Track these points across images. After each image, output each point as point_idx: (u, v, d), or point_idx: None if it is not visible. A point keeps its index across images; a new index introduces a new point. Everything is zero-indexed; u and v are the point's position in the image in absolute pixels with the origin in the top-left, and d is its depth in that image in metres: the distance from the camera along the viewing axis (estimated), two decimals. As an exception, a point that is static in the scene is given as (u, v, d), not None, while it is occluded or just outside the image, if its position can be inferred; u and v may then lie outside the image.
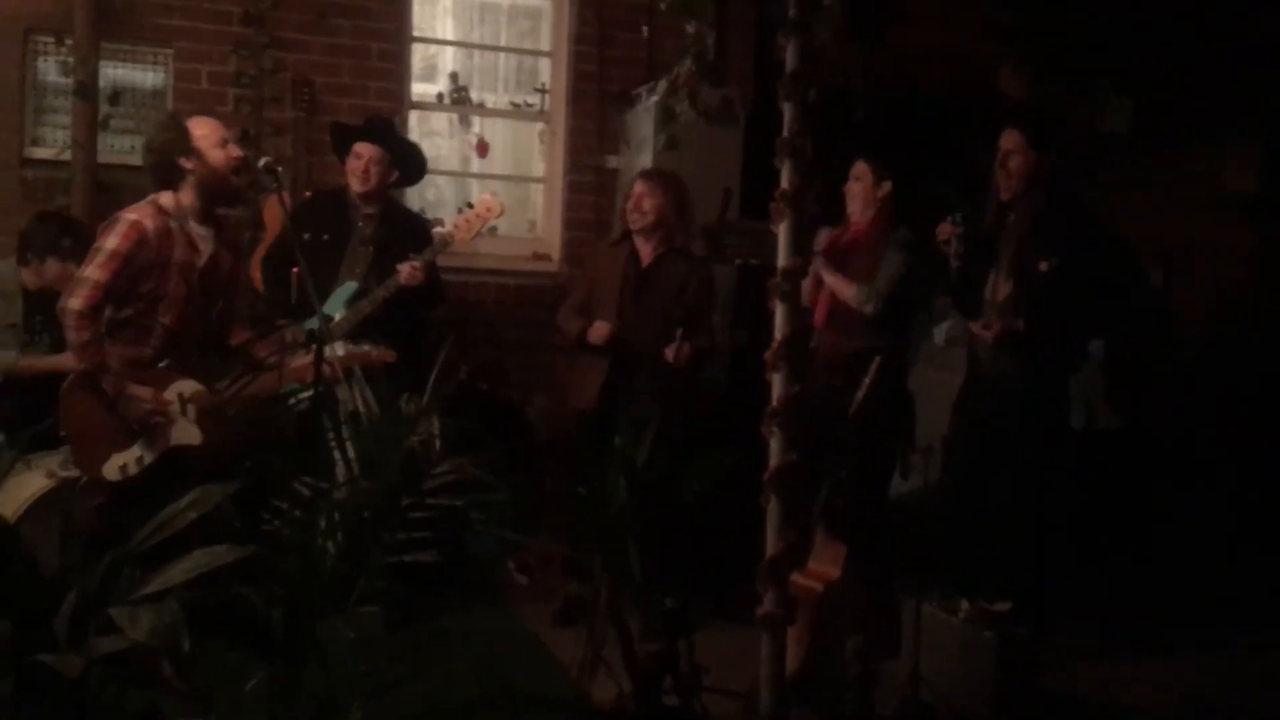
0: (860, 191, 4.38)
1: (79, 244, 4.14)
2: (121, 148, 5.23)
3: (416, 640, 2.77)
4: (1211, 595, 4.75)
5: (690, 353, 4.38)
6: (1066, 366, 4.24)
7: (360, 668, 2.35)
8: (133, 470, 3.53)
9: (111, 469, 3.51)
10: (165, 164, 3.63)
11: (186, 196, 3.65)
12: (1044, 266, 4.02)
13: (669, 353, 4.34)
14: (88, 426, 3.52)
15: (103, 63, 5.13)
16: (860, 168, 4.40)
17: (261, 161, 3.90)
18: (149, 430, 3.54)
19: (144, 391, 3.53)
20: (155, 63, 5.36)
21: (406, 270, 4.35)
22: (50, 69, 5.22)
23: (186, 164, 3.62)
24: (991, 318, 4.10)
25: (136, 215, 3.57)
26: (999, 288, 4.16)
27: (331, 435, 2.80)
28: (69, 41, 5.07)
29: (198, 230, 3.67)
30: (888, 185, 4.36)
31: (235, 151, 3.72)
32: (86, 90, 5.02)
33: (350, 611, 2.38)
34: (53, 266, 4.37)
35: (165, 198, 3.64)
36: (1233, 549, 5.10)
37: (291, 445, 3.36)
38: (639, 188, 4.60)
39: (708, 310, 4.63)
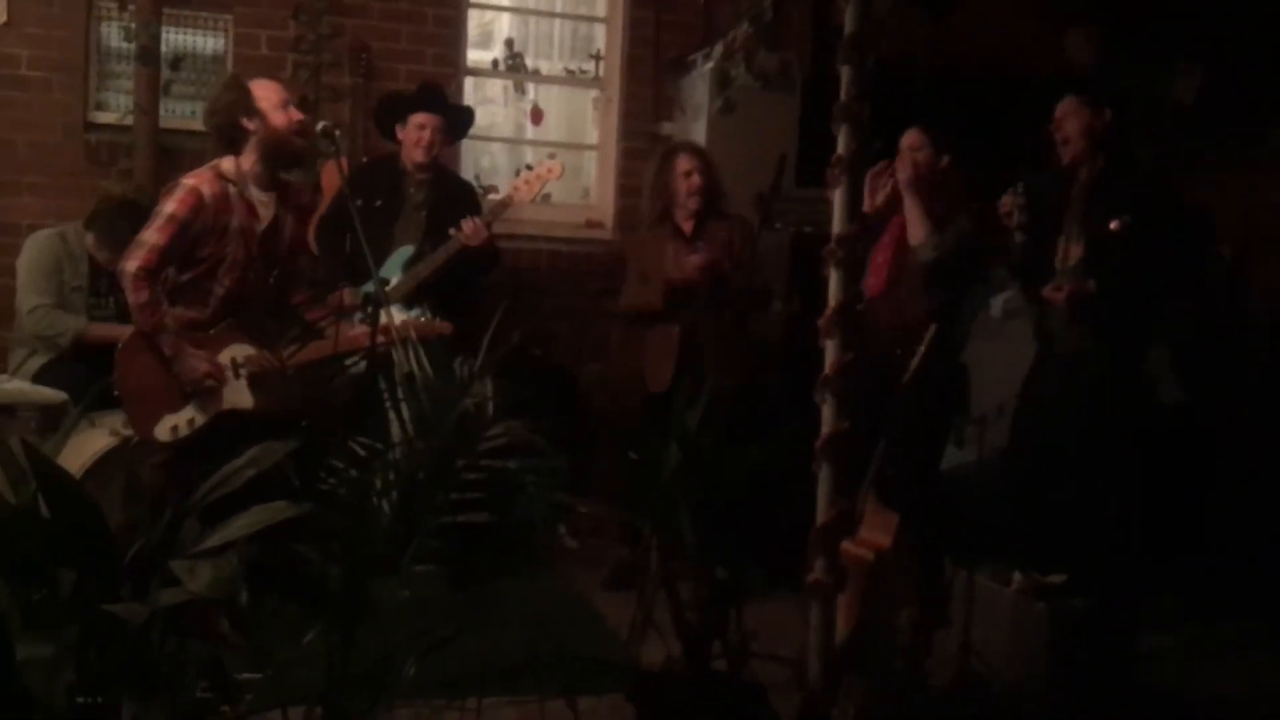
0: (924, 160, 4.24)
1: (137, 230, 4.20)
2: (183, 113, 5.30)
3: (469, 600, 2.81)
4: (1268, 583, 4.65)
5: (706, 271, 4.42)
6: (1142, 337, 4.08)
7: (413, 626, 2.38)
8: (184, 432, 3.59)
9: (164, 430, 3.57)
10: (228, 125, 3.66)
11: (248, 160, 3.68)
12: (1114, 225, 3.84)
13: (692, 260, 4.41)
14: (143, 387, 3.57)
15: (164, 28, 5.20)
16: (916, 137, 4.27)
17: (319, 126, 3.93)
18: (202, 393, 3.58)
19: (199, 354, 3.57)
20: (215, 28, 5.42)
21: (470, 227, 4.37)
22: (113, 34, 5.29)
23: (249, 125, 3.65)
24: (1061, 280, 3.97)
25: (195, 181, 3.60)
26: (1070, 252, 4.03)
27: (387, 397, 2.83)
28: (131, 7, 5.14)
29: (258, 195, 3.70)
30: (946, 160, 4.26)
31: (296, 114, 3.74)
32: (148, 55, 5.09)
33: (404, 570, 2.41)
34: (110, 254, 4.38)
35: (226, 163, 3.67)
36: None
37: (348, 406, 3.41)
38: (687, 163, 4.57)
39: (755, 258, 4.59)
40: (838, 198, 2.66)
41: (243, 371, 3.66)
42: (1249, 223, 5.72)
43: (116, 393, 3.65)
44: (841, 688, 2.82)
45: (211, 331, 3.66)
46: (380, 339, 3.49)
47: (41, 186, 5.16)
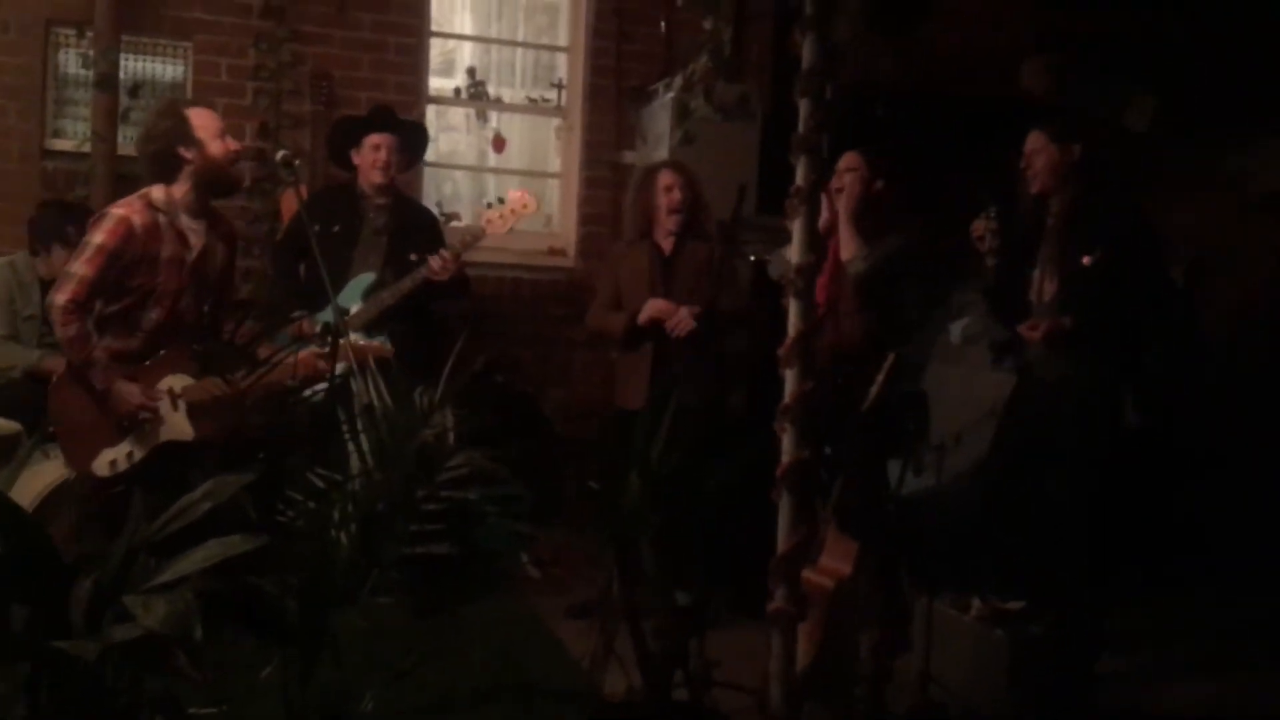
0: (850, 183, 4.27)
1: (83, 230, 4.17)
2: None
3: (430, 630, 2.79)
4: (1230, 604, 4.71)
5: (693, 319, 4.39)
6: (1122, 365, 4.08)
7: (373, 657, 2.36)
8: (122, 466, 3.50)
9: (102, 464, 3.48)
10: (165, 153, 3.56)
11: (180, 189, 3.60)
12: (1086, 260, 3.88)
13: (675, 320, 4.38)
14: (77, 422, 3.48)
15: (123, 55, 5.18)
16: (853, 159, 4.29)
17: (279, 155, 3.92)
18: (137, 426, 3.51)
19: (131, 388, 3.49)
20: (175, 56, 5.41)
21: (438, 262, 4.36)
22: (71, 61, 5.27)
23: (187, 154, 3.56)
24: (1036, 319, 3.98)
25: (125, 211, 3.52)
26: (1044, 288, 4.04)
27: (346, 427, 2.82)
28: (90, 34, 5.11)
29: (189, 223, 3.62)
30: (879, 184, 4.28)
31: (233, 143, 3.67)
32: (107, 82, 5.07)
33: (364, 602, 2.39)
34: (59, 254, 4.36)
35: (156, 192, 3.59)
36: (1249, 555, 5.05)
37: (307, 437, 3.38)
38: (669, 178, 4.58)
39: (733, 280, 4.62)
40: (797, 228, 2.68)
41: (180, 402, 3.58)
42: (1196, 246, 5.82)
43: (51, 429, 3.57)
44: (803, 715, 2.82)
45: (147, 363, 3.58)
46: (322, 364, 3.45)
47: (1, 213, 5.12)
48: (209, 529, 2.12)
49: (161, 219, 3.56)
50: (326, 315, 4.07)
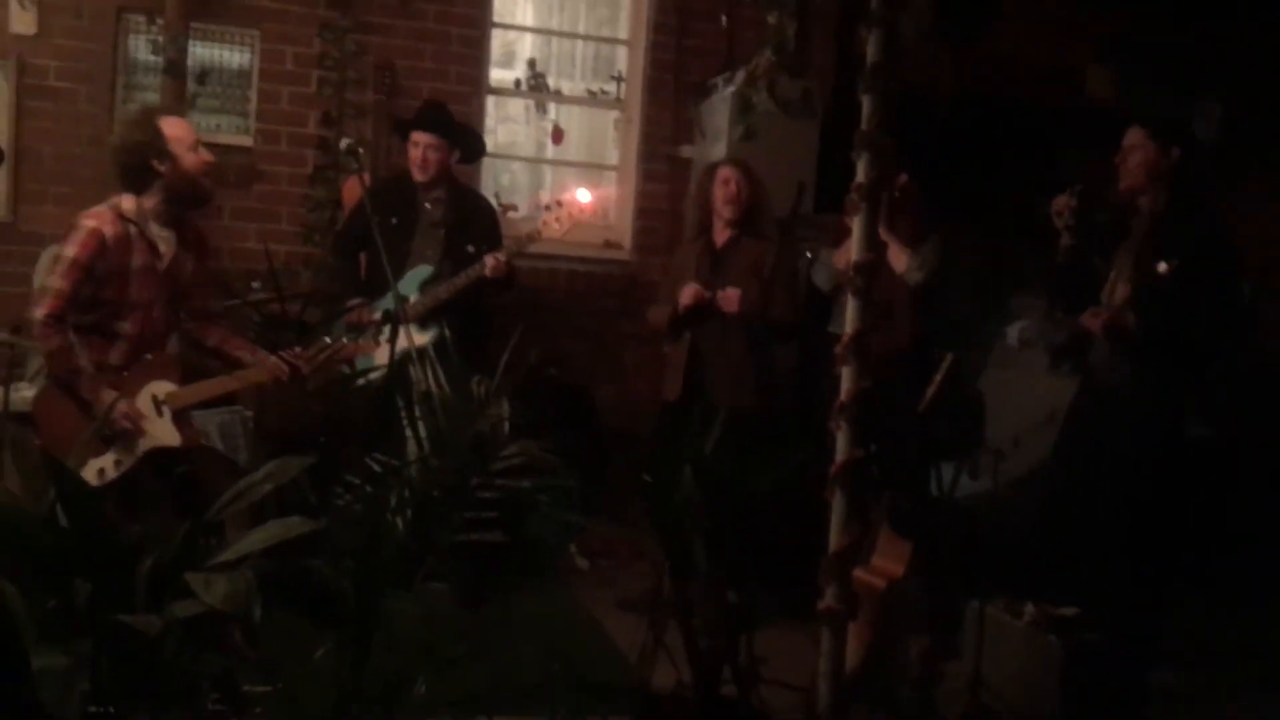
0: None
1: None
2: (208, 126, 5.34)
3: (481, 620, 2.81)
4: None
5: (741, 302, 4.41)
6: (1188, 375, 3.97)
7: (425, 643, 2.38)
8: (111, 474, 3.49)
9: (90, 474, 3.44)
10: (137, 165, 3.54)
11: (150, 199, 3.58)
12: (1162, 268, 3.78)
13: (726, 296, 4.41)
14: (63, 433, 3.44)
15: (191, 42, 5.25)
16: None
17: (343, 143, 3.96)
18: (121, 436, 3.50)
19: (110, 398, 3.47)
20: (242, 43, 5.47)
21: (492, 263, 4.40)
22: (140, 46, 5.34)
23: (159, 166, 3.54)
24: (1100, 308, 3.90)
25: (95, 222, 3.50)
26: (1117, 289, 3.94)
27: (404, 414, 2.84)
28: (160, 20, 5.19)
29: (159, 233, 3.60)
30: (903, 177, 4.29)
31: (206, 155, 3.65)
32: (175, 68, 5.14)
33: (417, 587, 2.41)
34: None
35: (127, 202, 3.57)
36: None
37: (365, 423, 3.41)
38: (728, 172, 4.59)
39: (787, 285, 4.61)
40: (857, 225, 2.66)
41: (165, 408, 3.57)
42: (1262, 257, 5.71)
43: (38, 443, 3.48)
44: (851, 716, 2.81)
45: (125, 374, 3.57)
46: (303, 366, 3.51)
47: (65, 197, 5.19)
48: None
49: (132, 229, 3.55)
50: (385, 303, 4.11)
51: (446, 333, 4.24)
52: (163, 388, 3.59)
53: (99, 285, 3.50)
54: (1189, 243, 3.82)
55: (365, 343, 4.04)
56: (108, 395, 3.47)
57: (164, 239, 3.62)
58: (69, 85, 5.26)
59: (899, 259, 4.28)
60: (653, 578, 3.25)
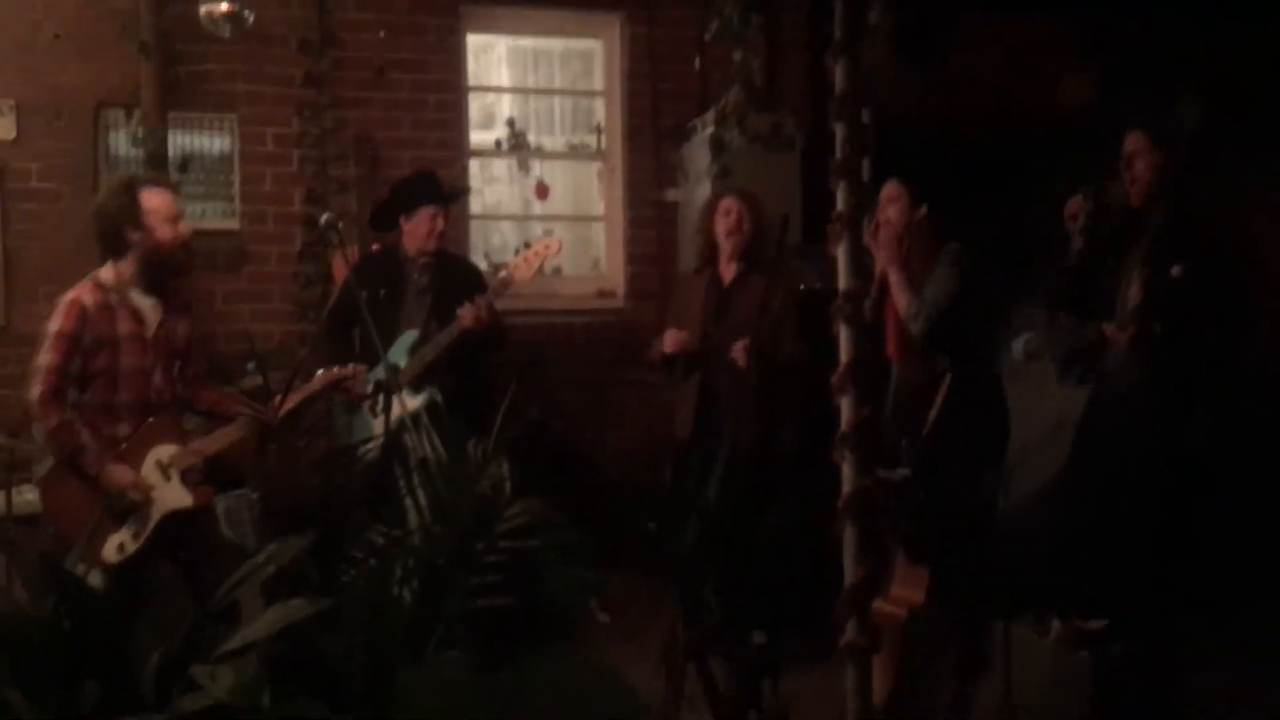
0: (895, 215, 4.15)
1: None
2: (194, 213, 5.34)
3: (497, 685, 2.76)
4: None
5: (750, 354, 4.30)
6: (1200, 381, 3.90)
7: (441, 715, 2.34)
8: (131, 548, 3.47)
9: (110, 551, 3.45)
10: (111, 232, 3.55)
11: (127, 267, 3.58)
12: (1175, 272, 3.69)
13: (735, 354, 4.31)
14: (75, 511, 3.43)
15: (171, 130, 5.29)
16: (894, 189, 4.17)
17: (323, 219, 3.96)
18: (130, 508, 3.48)
19: (122, 469, 3.47)
20: (220, 128, 5.51)
21: (470, 313, 4.39)
22: (120, 141, 5.38)
23: (133, 235, 3.54)
24: (1125, 320, 3.82)
25: (76, 294, 3.52)
26: (1131, 293, 3.88)
27: (402, 482, 2.82)
28: (138, 112, 5.23)
29: (142, 300, 3.60)
30: (923, 210, 4.15)
31: (185, 228, 3.64)
32: (157, 159, 5.18)
33: (429, 659, 2.38)
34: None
35: (105, 272, 3.58)
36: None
37: (363, 494, 3.38)
38: (730, 203, 4.57)
39: (793, 326, 4.56)
40: (841, 254, 2.65)
41: (172, 471, 3.56)
42: (1247, 254, 5.68)
43: (50, 528, 3.53)
44: (883, 751, 2.76)
45: (124, 445, 3.54)
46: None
47: (55, 295, 5.20)
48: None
49: (113, 298, 3.55)
50: (376, 373, 4.10)
51: (438, 396, 4.22)
52: (166, 451, 3.57)
53: (88, 356, 3.50)
54: (1201, 244, 3.77)
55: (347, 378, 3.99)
56: (113, 469, 3.46)
57: (150, 306, 3.61)
58: (52, 185, 5.30)
59: (901, 301, 4.16)
60: (667, 626, 3.21)
